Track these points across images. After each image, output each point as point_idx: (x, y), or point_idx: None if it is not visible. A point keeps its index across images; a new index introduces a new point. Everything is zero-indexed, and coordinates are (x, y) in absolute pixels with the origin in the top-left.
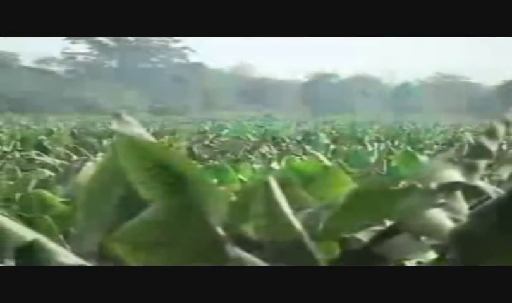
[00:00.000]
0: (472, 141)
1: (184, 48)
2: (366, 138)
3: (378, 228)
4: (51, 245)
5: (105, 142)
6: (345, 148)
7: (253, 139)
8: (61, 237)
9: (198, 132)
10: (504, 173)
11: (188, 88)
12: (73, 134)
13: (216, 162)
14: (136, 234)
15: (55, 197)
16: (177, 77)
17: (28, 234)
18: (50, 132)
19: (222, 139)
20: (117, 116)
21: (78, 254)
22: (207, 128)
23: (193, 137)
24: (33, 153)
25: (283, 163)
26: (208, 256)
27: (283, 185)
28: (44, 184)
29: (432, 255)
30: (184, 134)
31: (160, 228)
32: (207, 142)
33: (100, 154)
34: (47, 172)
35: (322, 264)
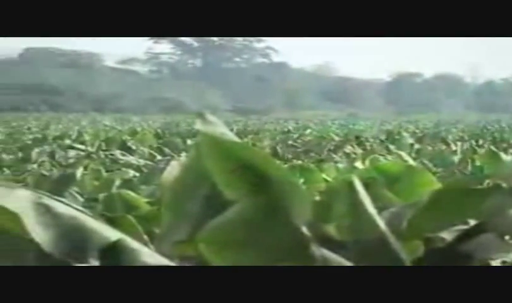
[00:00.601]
0: None
1: (267, 48)
2: (450, 137)
3: (462, 227)
4: (135, 245)
5: (189, 142)
6: (429, 148)
7: (336, 138)
8: (145, 237)
9: (282, 132)
10: None
11: (271, 87)
12: (157, 134)
13: (300, 162)
14: (221, 233)
15: (140, 197)
16: (260, 77)
17: (112, 234)
18: (134, 132)
19: (306, 138)
20: (201, 116)
21: (162, 254)
22: (290, 128)
23: (276, 136)
24: (117, 153)
25: (367, 162)
26: (294, 256)
27: (367, 185)
28: (128, 183)
29: None
30: (268, 134)
31: (244, 228)
32: (290, 141)
33: (184, 154)
34: (131, 172)
35: (407, 263)
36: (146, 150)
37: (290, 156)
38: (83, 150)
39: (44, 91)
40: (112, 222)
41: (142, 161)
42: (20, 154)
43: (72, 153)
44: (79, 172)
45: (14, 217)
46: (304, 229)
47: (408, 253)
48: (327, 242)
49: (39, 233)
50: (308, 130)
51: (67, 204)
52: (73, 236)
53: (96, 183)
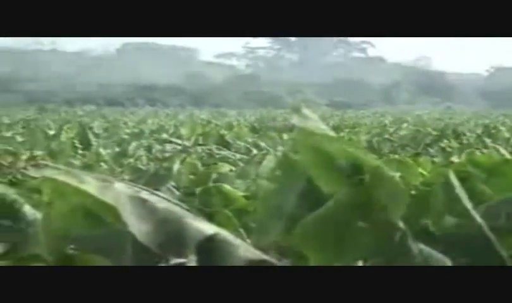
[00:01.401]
0: None
1: (364, 42)
2: None
3: None
4: (232, 238)
5: (285, 136)
6: None
7: (433, 132)
8: (242, 231)
9: (378, 126)
10: None
11: (367, 81)
12: (253, 128)
13: (396, 156)
14: (317, 228)
15: (236, 191)
16: (357, 71)
17: (209, 228)
18: (230, 127)
19: (402, 132)
20: (297, 110)
21: (258, 248)
22: (387, 122)
23: (372, 131)
24: (213, 148)
25: (463, 156)
26: (390, 251)
27: (463, 179)
28: (224, 178)
29: None
30: (364, 128)
31: (341, 223)
32: (387, 136)
33: (280, 148)
34: (228, 166)
35: (506, 258)
36: (242, 144)
37: (386, 150)
38: (179, 144)
39: (141, 86)
40: (208, 216)
41: (238, 156)
42: (117, 149)
43: (169, 147)
44: (175, 166)
45: (112, 210)
46: (401, 224)
47: (505, 249)
48: (424, 236)
49: (136, 226)
50: (405, 125)
51: (164, 198)
52: (169, 229)
53: (192, 177)
